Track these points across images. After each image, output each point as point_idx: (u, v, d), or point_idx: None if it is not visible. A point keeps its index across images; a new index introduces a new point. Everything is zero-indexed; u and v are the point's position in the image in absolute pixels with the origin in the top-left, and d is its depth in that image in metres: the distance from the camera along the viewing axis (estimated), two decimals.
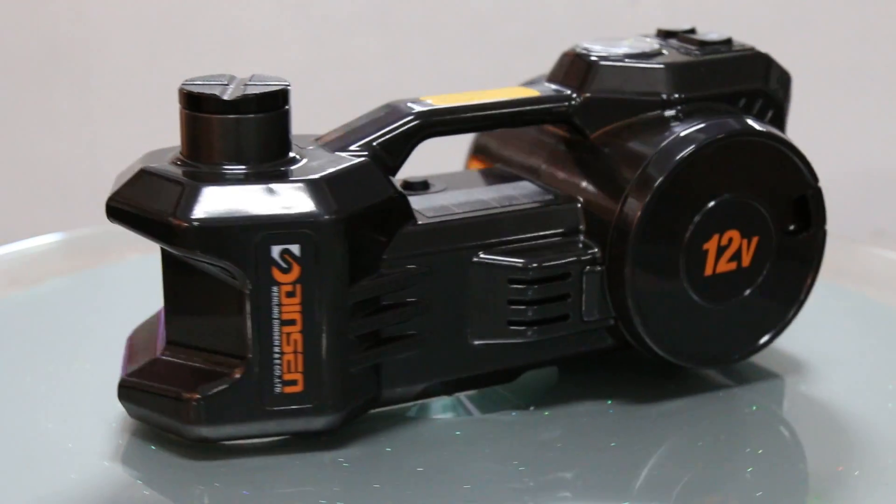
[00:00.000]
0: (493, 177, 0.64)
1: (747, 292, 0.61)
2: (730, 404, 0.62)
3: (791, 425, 0.62)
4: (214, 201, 0.53)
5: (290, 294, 0.54)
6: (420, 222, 0.58)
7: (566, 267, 0.59)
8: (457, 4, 1.26)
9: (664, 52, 0.62)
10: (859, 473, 0.57)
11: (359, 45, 1.26)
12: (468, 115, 0.60)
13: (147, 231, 0.54)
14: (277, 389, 0.55)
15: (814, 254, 0.62)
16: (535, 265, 0.58)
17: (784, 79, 0.63)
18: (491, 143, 0.67)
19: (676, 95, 0.60)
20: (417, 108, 0.59)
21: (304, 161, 0.56)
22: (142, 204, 0.54)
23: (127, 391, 0.56)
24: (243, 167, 0.55)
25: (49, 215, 1.34)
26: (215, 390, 0.54)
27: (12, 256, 0.79)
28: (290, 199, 0.54)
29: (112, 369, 0.59)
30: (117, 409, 0.57)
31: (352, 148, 0.57)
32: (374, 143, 0.58)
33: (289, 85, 0.56)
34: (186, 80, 0.56)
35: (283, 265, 0.54)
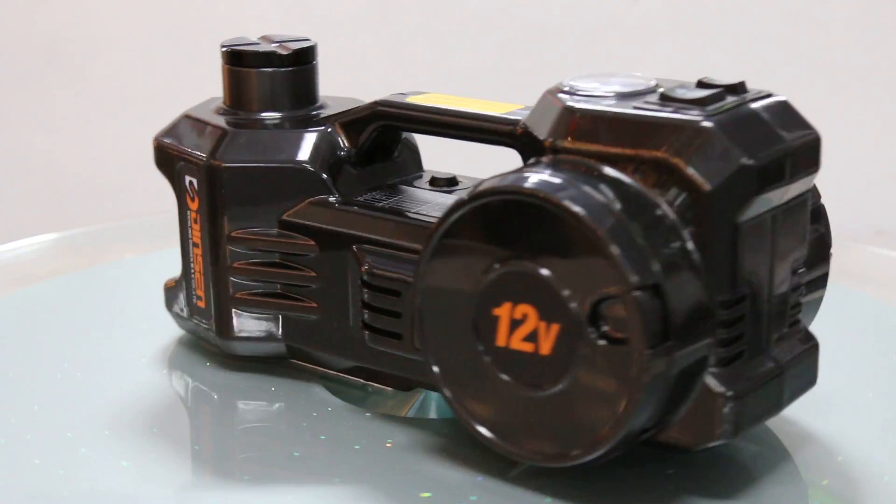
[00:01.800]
0: None
1: (558, 388, 0.51)
2: None
3: (787, 425, 0.58)
4: (180, 132, 0.64)
5: (196, 221, 0.63)
6: (332, 201, 0.60)
7: (395, 282, 0.56)
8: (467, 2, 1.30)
9: (635, 99, 0.53)
10: (859, 476, 0.55)
11: (364, 44, 1.28)
12: (420, 115, 0.60)
13: None
14: (194, 300, 0.64)
15: (633, 374, 0.49)
16: (370, 270, 0.57)
17: (731, 164, 0.49)
18: None
19: (566, 143, 0.52)
20: (388, 100, 0.60)
21: (313, 115, 0.63)
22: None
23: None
24: (277, 113, 0.64)
25: (45, 215, 1.32)
26: (172, 286, 0.66)
27: (8, 256, 0.82)
28: (212, 141, 0.62)
29: (110, 368, 0.65)
30: (116, 408, 0.61)
31: (326, 121, 0.62)
32: (335, 121, 0.61)
33: (315, 43, 0.64)
34: (225, 41, 0.65)
35: (191, 194, 0.63)
